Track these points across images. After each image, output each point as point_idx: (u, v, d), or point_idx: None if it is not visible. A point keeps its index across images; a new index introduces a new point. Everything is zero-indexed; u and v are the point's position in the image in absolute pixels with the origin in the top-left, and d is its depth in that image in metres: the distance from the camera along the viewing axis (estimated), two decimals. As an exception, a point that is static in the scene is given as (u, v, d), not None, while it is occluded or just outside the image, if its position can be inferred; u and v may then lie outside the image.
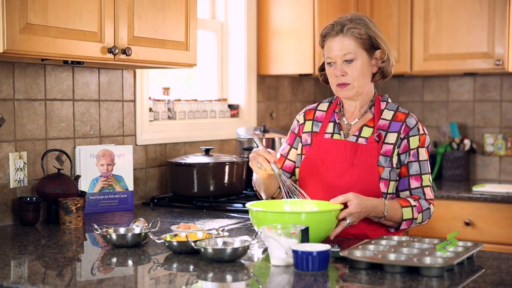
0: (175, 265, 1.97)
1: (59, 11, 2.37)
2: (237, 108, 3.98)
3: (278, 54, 3.97)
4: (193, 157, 3.25)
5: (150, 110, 3.37)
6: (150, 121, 3.35)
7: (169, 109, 3.52)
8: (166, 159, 3.41)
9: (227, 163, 3.20)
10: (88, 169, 2.94)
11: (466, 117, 4.41)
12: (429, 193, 2.33)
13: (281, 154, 2.50)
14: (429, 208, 2.32)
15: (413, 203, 2.29)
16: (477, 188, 3.88)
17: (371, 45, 2.33)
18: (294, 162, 2.48)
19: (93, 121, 3.03)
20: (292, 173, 2.49)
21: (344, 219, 2.17)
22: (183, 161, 3.21)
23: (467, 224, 3.75)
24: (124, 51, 2.61)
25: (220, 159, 3.21)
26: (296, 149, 2.48)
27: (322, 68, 2.47)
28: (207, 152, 3.28)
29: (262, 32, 4.02)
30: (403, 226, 2.29)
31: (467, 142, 4.29)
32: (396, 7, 4.18)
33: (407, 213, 2.27)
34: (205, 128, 3.68)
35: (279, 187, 2.40)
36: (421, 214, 2.29)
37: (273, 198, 2.44)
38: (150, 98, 3.41)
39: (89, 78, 3.01)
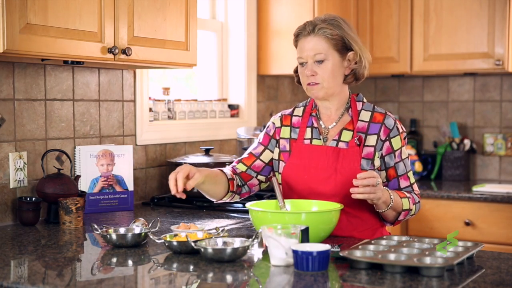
0: (175, 265, 1.97)
1: (59, 11, 2.37)
2: (237, 108, 3.98)
3: (278, 54, 3.97)
4: (193, 157, 3.25)
5: (150, 110, 3.37)
6: (150, 121, 3.35)
7: (169, 109, 3.52)
8: (166, 159, 3.41)
9: (227, 163, 3.20)
10: (88, 169, 2.94)
11: (466, 117, 4.41)
12: (416, 188, 2.41)
13: (251, 153, 2.46)
14: (419, 201, 2.39)
15: (407, 195, 2.34)
16: (477, 188, 3.88)
17: (343, 46, 2.32)
18: (265, 163, 2.45)
19: (93, 121, 3.03)
20: (259, 173, 2.45)
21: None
22: (183, 161, 3.21)
23: (467, 224, 3.75)
24: (124, 51, 2.61)
25: (220, 159, 3.21)
26: (272, 152, 2.45)
27: (297, 70, 2.45)
28: (207, 152, 3.28)
29: (262, 32, 4.02)
30: (401, 217, 2.32)
31: (467, 142, 4.29)
32: (396, 7, 4.18)
33: (405, 203, 2.31)
34: (205, 128, 3.68)
35: (231, 191, 2.40)
36: (414, 205, 2.35)
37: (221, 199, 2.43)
38: (150, 98, 3.41)
39: (89, 78, 3.01)
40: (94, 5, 2.50)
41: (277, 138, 2.45)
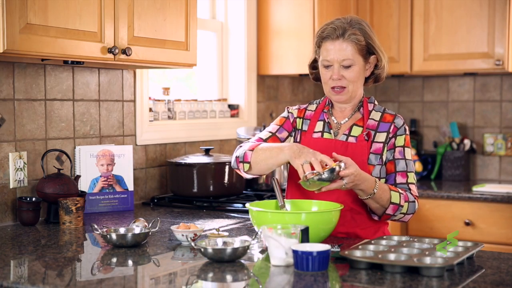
0: (175, 265, 1.97)
1: (59, 11, 2.37)
2: (237, 108, 3.98)
3: (278, 54, 3.97)
4: (193, 157, 3.25)
5: (150, 110, 3.37)
6: (150, 121, 3.35)
7: (169, 109, 3.52)
8: (166, 159, 3.41)
9: (227, 163, 3.20)
10: (88, 169, 2.94)
11: (466, 117, 4.41)
12: (414, 189, 2.36)
13: (275, 136, 2.43)
14: (414, 202, 2.32)
15: (400, 191, 2.30)
16: (477, 188, 3.88)
17: (367, 51, 2.37)
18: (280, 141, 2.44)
19: (93, 121, 3.03)
20: None
21: (342, 179, 2.15)
22: (183, 161, 3.21)
23: (467, 224, 3.75)
24: (124, 51, 2.61)
25: (220, 159, 3.21)
26: (291, 138, 2.46)
27: (313, 66, 2.47)
28: (207, 152, 3.28)
29: (262, 32, 4.02)
30: (389, 211, 2.28)
31: (467, 142, 4.29)
32: (396, 7, 4.18)
33: (395, 197, 2.27)
34: (205, 128, 3.68)
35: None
36: (407, 203, 2.29)
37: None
38: (150, 98, 3.41)
39: (89, 78, 3.01)
40: (94, 5, 2.50)
41: (295, 127, 2.47)
